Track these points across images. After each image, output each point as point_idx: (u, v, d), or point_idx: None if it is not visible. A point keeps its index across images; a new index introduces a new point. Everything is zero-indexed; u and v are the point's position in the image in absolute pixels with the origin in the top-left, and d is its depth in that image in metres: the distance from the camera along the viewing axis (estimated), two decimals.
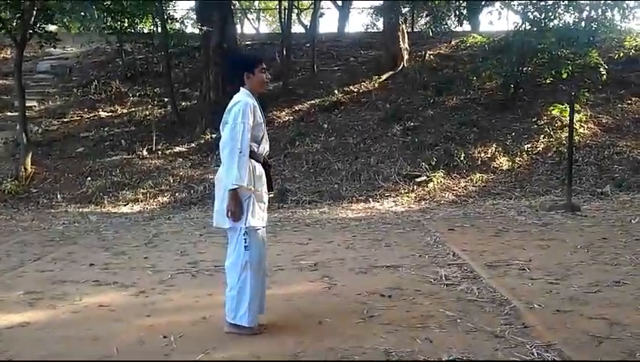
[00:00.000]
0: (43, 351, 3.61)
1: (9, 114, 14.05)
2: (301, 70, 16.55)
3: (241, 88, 3.89)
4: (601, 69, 12.33)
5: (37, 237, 8.10)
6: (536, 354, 3.33)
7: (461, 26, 16.00)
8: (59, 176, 11.98)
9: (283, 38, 16.68)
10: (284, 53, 16.04)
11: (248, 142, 3.68)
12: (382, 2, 18.68)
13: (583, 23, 12.35)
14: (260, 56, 4.05)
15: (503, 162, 11.59)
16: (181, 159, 12.46)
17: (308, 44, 17.07)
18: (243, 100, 3.75)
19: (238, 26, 24.24)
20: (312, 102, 14.55)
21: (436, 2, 15.50)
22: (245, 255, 3.72)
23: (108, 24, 13.85)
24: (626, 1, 12.15)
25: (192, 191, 10.95)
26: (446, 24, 15.25)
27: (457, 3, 15.57)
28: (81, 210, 10.49)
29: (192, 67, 16.47)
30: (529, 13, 13.25)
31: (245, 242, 3.72)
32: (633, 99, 13.62)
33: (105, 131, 13.86)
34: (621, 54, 13.16)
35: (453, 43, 17.04)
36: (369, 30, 21.81)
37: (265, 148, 3.92)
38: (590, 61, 12.39)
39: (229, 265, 3.82)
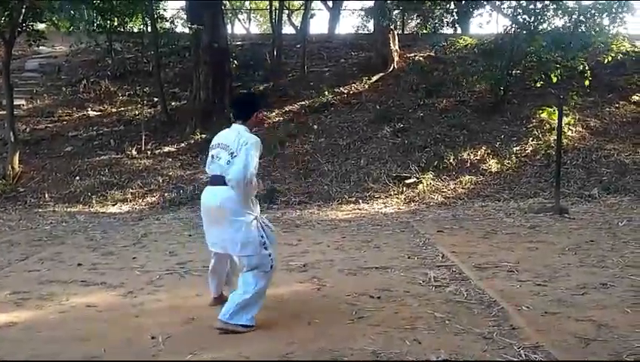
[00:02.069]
0: (30, 352, 3.58)
1: None
2: (291, 71, 16.54)
3: (241, 124, 4.10)
4: (586, 74, 12.42)
5: (24, 236, 8.04)
6: (524, 356, 3.35)
7: (455, 30, 16.06)
8: (47, 176, 11.90)
9: (274, 38, 16.69)
10: (275, 53, 16.04)
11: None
12: (372, 4, 18.72)
13: (572, 27, 12.40)
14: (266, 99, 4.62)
15: (492, 164, 11.65)
16: (170, 159, 12.42)
17: (298, 45, 17.07)
18: (254, 138, 3.98)
19: (229, 26, 24.20)
20: (302, 103, 14.55)
21: (427, 4, 15.53)
22: (266, 266, 3.97)
23: (97, 23, 13.77)
24: (615, 1, 12.20)
25: (181, 192, 10.90)
26: (437, 30, 15.28)
27: (447, 6, 15.61)
28: (69, 209, 10.42)
29: (182, 67, 16.42)
30: (518, 17, 13.31)
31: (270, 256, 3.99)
32: (621, 102, 13.75)
33: (94, 130, 13.77)
34: (609, 58, 13.24)
35: (443, 44, 17.09)
36: (359, 31, 21.88)
37: None
38: (578, 65, 12.47)
39: (247, 271, 4.00)
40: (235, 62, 15.87)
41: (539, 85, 13.01)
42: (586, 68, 12.38)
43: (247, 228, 3.94)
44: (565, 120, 11.35)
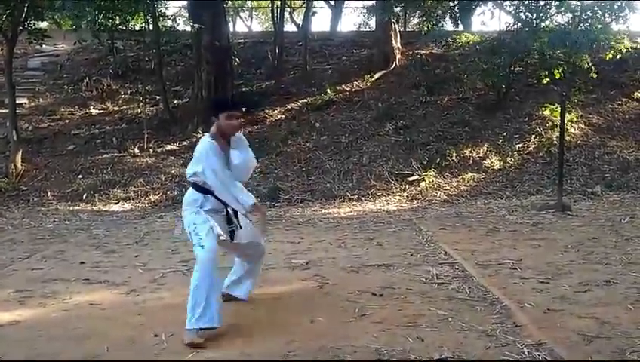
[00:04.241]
0: (33, 350, 3.58)
1: None
2: (293, 69, 16.54)
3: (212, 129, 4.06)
4: (591, 69, 12.38)
5: (27, 235, 8.05)
6: (527, 353, 3.34)
7: (456, 26, 16.05)
8: (49, 174, 11.91)
9: (275, 36, 16.67)
10: (277, 51, 16.03)
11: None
12: (374, 1, 18.68)
13: (574, 25, 12.36)
14: (227, 104, 4.14)
15: (495, 162, 11.63)
16: (173, 157, 12.42)
17: (300, 43, 17.04)
18: (200, 143, 3.99)
19: (231, 24, 24.17)
20: (305, 100, 14.54)
21: (429, 2, 15.51)
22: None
23: (99, 21, 13.77)
24: (617, 2, 12.17)
25: (183, 190, 10.81)
26: (441, 27, 15.28)
27: (450, 3, 15.60)
28: (71, 208, 10.44)
29: (184, 65, 16.42)
30: (521, 14, 13.28)
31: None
32: (623, 99, 13.72)
33: (96, 129, 13.79)
34: (610, 56, 13.21)
35: (444, 43, 17.05)
36: (361, 29, 21.83)
37: None
38: (581, 62, 12.43)
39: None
40: (237, 60, 15.86)
41: (543, 82, 12.98)
42: (590, 64, 12.35)
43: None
44: (568, 117, 11.32)
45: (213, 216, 3.95)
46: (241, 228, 4.06)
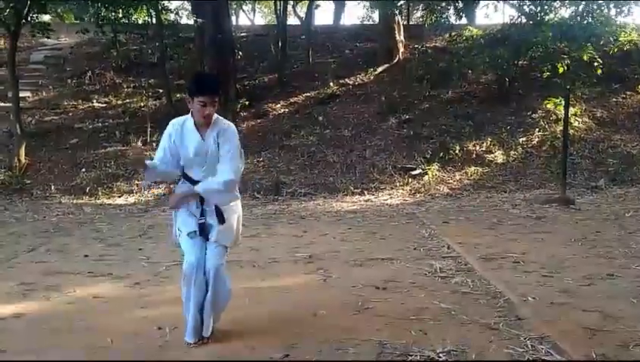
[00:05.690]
0: (37, 343, 3.60)
1: (2, 105, 13.92)
2: (296, 62, 16.50)
3: None
4: (596, 63, 12.34)
5: (31, 228, 8.07)
6: (530, 346, 3.34)
7: (459, 19, 16.00)
8: (53, 167, 11.93)
9: (278, 29, 16.62)
10: (280, 45, 15.99)
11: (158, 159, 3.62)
12: None
13: (578, 18, 12.31)
14: (201, 89, 3.40)
15: (498, 155, 11.61)
16: None
17: (303, 36, 17.01)
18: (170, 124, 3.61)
19: (233, 18, 24.14)
20: (308, 94, 14.53)
21: None
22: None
23: (102, 14, 13.75)
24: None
25: None
26: (445, 19, 15.26)
27: None
28: (75, 201, 10.46)
29: (187, 58, 16.37)
30: (525, 7, 13.22)
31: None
32: (628, 93, 13.67)
33: (99, 122, 13.78)
34: (616, 49, 13.15)
35: (447, 36, 16.99)
36: (365, 22, 21.80)
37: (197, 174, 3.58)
38: (584, 55, 12.38)
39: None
40: (240, 53, 15.84)
41: (546, 76, 12.94)
42: (595, 57, 12.31)
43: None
44: (572, 110, 11.29)
45: (188, 209, 3.63)
46: (211, 224, 3.57)
